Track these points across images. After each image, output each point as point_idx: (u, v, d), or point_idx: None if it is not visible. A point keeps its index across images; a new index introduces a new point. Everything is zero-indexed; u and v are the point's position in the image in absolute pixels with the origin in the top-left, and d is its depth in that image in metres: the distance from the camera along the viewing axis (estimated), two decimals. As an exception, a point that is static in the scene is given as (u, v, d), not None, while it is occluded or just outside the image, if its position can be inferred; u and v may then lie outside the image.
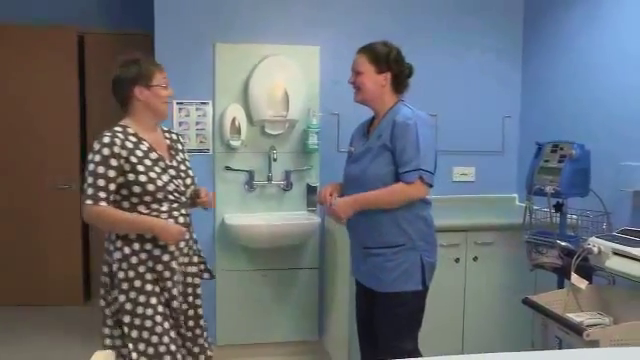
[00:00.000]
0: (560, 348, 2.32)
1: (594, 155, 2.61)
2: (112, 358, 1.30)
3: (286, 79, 3.35)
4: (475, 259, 3.04)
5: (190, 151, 3.37)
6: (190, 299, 2.32)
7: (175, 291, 2.19)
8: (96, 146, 2.10)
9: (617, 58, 2.87)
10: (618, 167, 2.71)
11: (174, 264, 2.18)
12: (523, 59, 3.70)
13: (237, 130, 3.33)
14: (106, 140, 2.10)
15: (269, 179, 3.43)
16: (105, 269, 2.19)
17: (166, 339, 2.13)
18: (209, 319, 3.47)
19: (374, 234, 2.33)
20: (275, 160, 3.38)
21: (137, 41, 4.35)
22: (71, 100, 4.42)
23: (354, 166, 2.43)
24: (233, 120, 3.31)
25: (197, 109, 3.39)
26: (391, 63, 2.35)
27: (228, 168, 3.41)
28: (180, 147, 2.36)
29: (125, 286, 2.11)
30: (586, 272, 2.29)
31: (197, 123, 3.40)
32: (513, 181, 3.72)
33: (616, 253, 2.09)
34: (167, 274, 2.17)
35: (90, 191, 2.07)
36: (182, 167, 2.28)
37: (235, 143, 3.35)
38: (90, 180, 2.08)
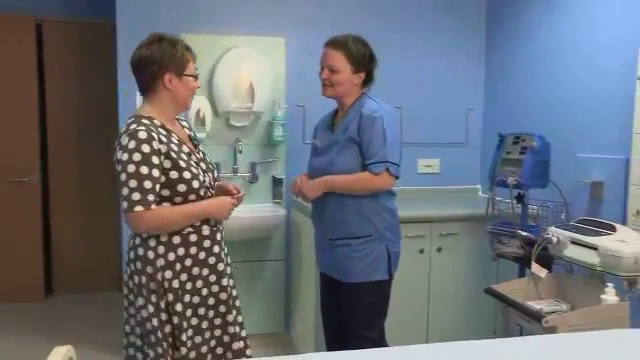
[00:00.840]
0: (521, 335, 2.37)
1: (553, 147, 2.68)
2: (72, 353, 1.27)
3: (251, 71, 3.33)
4: (439, 250, 3.08)
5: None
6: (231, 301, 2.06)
7: (224, 295, 2.00)
8: (131, 143, 1.80)
9: (573, 52, 2.94)
10: (576, 159, 2.79)
11: (221, 266, 2.00)
12: (486, 52, 3.76)
13: (202, 121, 3.29)
14: (143, 135, 1.80)
15: (234, 171, 3.40)
16: (143, 280, 1.90)
17: (193, 354, 1.94)
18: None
19: (341, 226, 2.34)
20: (240, 152, 3.36)
21: (99, 30, 4.27)
22: (29, 90, 4.28)
23: (319, 159, 2.43)
24: (198, 111, 3.27)
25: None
26: (366, 62, 2.35)
27: (193, 160, 3.37)
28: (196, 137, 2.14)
29: (171, 297, 1.89)
30: (546, 261, 2.34)
31: (161, 115, 3.34)
32: (477, 172, 3.79)
33: (574, 242, 2.15)
34: (213, 278, 1.98)
35: (137, 196, 1.79)
36: (207, 159, 2.07)
37: (200, 135, 3.29)
38: (133, 184, 1.79)
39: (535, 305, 2.17)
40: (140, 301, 1.92)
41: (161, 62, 1.89)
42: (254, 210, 3.38)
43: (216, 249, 2.00)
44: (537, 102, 3.22)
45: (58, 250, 4.54)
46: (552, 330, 1.91)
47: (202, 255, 1.95)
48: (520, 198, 2.66)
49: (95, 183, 4.46)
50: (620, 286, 2.01)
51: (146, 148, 1.81)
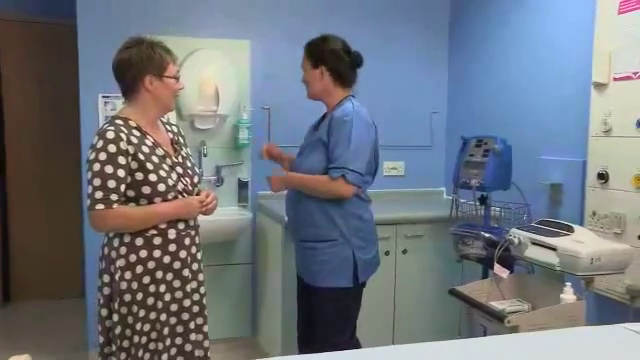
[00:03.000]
0: (485, 335, 2.41)
1: (514, 150, 2.73)
2: (30, 361, 1.23)
3: (216, 73, 3.30)
4: (404, 252, 3.11)
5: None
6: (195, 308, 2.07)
7: (187, 302, 2.01)
8: (99, 142, 1.84)
9: (533, 58, 3.02)
10: (536, 161, 2.86)
11: (186, 272, 2.00)
12: (449, 56, 3.82)
13: (166, 125, 3.25)
14: (110, 135, 1.84)
15: (200, 175, 3.37)
16: (106, 279, 1.94)
17: (156, 358, 1.95)
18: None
19: (309, 227, 2.34)
20: (205, 155, 3.33)
21: (58, 31, 4.16)
22: (-15, 92, 4.16)
23: (297, 159, 2.45)
24: (162, 114, 3.23)
25: (124, 103, 3.27)
26: (325, 56, 2.32)
27: (157, 164, 3.32)
28: (182, 141, 2.13)
29: (128, 298, 1.90)
30: (508, 262, 2.39)
31: (124, 117, 3.29)
32: (441, 175, 3.84)
33: (534, 243, 2.20)
34: (177, 283, 1.97)
35: (99, 194, 1.83)
36: (188, 164, 2.07)
37: (164, 138, 3.26)
38: (97, 182, 1.83)
39: (498, 305, 2.22)
40: (101, 300, 1.96)
41: (140, 65, 1.92)
42: (220, 213, 3.31)
43: (182, 254, 1.98)
44: (499, 105, 3.29)
45: (17, 255, 4.40)
46: (514, 330, 1.95)
47: (167, 259, 1.95)
48: (483, 200, 2.71)
49: (56, 187, 4.35)
50: (577, 285, 2.07)
51: (112, 148, 1.84)
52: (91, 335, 3.34)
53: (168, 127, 2.11)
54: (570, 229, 2.18)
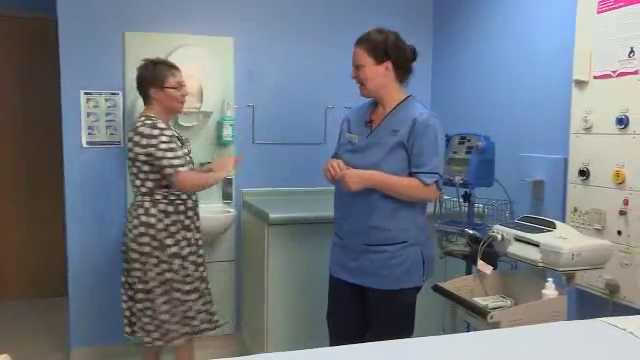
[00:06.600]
0: (468, 331, 2.43)
1: (498, 147, 2.76)
2: (11, 361, 1.23)
3: (200, 70, 3.28)
4: (389, 248, 3.11)
5: (100, 144, 3.26)
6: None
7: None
8: (155, 130, 2.45)
9: (516, 56, 3.04)
10: (519, 158, 2.88)
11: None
12: (433, 54, 3.83)
13: (149, 122, 3.22)
14: (161, 125, 2.49)
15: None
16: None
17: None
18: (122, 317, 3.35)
19: (379, 231, 2.26)
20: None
21: (40, 26, 4.11)
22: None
23: (357, 157, 2.30)
24: (145, 111, 3.20)
25: (107, 100, 3.25)
26: (389, 50, 2.27)
27: (140, 161, 3.29)
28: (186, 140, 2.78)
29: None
30: (491, 258, 2.40)
31: (107, 114, 3.26)
32: (425, 172, 3.84)
33: (517, 239, 2.21)
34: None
35: (177, 161, 2.45)
36: (190, 157, 2.72)
37: (147, 135, 3.23)
38: (171, 154, 2.45)
39: (481, 301, 2.23)
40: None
41: (146, 81, 2.56)
42: (204, 210, 3.30)
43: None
44: (482, 103, 3.31)
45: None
46: (496, 325, 1.97)
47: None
48: (467, 197, 2.73)
49: (38, 185, 4.30)
50: (559, 281, 2.09)
51: (168, 132, 2.49)
52: (73, 334, 3.31)
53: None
54: (552, 225, 2.20)
